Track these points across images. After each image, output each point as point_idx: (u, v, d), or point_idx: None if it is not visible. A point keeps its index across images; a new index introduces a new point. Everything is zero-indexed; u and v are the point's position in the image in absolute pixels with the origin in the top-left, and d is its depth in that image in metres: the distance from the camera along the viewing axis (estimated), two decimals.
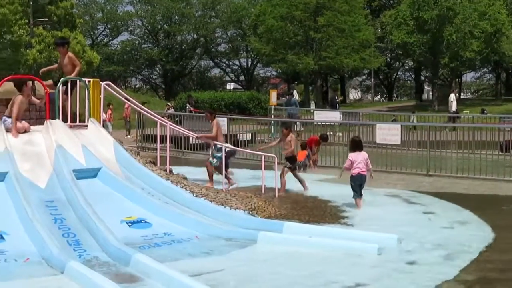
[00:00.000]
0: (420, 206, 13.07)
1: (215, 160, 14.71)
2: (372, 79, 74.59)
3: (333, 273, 8.19)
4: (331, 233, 9.99)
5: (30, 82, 12.38)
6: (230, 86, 74.97)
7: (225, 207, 11.34)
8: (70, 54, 13.52)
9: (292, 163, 14.56)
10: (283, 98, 45.22)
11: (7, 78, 12.57)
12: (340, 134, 23.81)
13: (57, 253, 8.29)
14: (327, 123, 24.93)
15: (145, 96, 49.70)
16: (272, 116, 29.58)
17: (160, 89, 76.61)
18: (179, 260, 8.64)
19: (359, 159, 12.88)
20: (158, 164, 13.59)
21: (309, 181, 15.36)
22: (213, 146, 14.89)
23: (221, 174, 14.51)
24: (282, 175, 14.37)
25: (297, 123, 26.25)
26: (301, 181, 14.67)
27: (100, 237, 9.02)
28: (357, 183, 12.81)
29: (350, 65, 47.43)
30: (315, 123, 25.89)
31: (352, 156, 13.01)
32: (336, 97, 34.14)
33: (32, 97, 12.37)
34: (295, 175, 14.71)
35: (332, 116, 28.66)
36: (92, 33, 70.78)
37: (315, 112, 31.28)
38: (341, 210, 12.45)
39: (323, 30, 45.64)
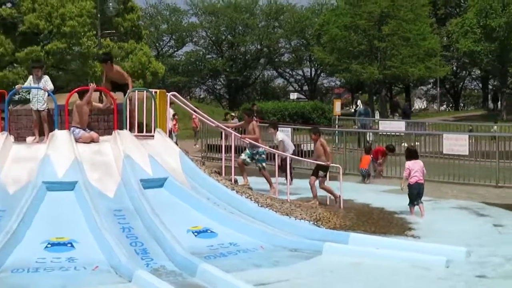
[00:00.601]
0: (490, 218, 12.79)
1: (248, 159, 14.96)
2: (438, 88, 73.39)
3: (400, 286, 8.09)
4: (398, 245, 9.85)
5: (93, 86, 12.65)
6: (293, 96, 74.89)
7: (290, 217, 11.33)
8: (117, 67, 13.81)
9: (324, 171, 14.28)
10: (347, 108, 44.99)
11: (76, 89, 12.87)
12: (406, 144, 23.50)
13: (125, 261, 8.43)
14: (392, 133, 24.63)
15: (209, 106, 50.04)
16: (336, 126, 29.43)
17: (224, 99, 77.13)
18: (245, 270, 8.66)
19: (416, 168, 13.03)
20: (223, 174, 13.68)
21: (375, 192, 15.22)
22: (252, 147, 14.87)
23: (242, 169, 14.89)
24: (320, 186, 14.17)
25: (369, 133, 25.98)
26: (329, 192, 14.33)
27: (167, 246, 9.12)
28: (415, 192, 12.90)
29: (415, 74, 46.76)
30: (380, 133, 25.64)
31: (409, 164, 13.13)
32: (409, 106, 33.61)
33: (94, 103, 12.69)
34: (323, 186, 14.27)
35: (397, 126, 28.33)
36: (157, 44, 71.77)
37: (379, 122, 30.99)
38: (408, 221, 12.28)
39: (387, 39, 45.22)
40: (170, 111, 29.15)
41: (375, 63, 46.03)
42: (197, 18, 72.54)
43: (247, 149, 15.35)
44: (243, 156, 15.04)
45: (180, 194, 11.07)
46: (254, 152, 14.96)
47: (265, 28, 68.94)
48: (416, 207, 12.96)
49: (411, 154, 13.46)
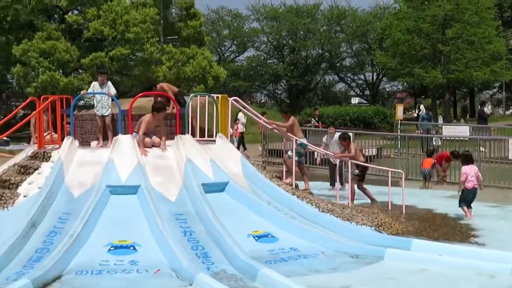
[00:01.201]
0: None
1: (290, 153, 14.66)
2: (504, 92, 71.85)
3: None
4: (462, 252, 9.64)
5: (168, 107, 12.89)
6: (354, 100, 74.44)
7: (351, 223, 11.23)
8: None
9: (361, 172, 14.55)
10: (409, 113, 44.45)
11: (140, 94, 13.05)
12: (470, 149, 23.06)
13: (187, 265, 8.49)
14: (456, 138, 24.19)
15: (270, 111, 50.07)
16: (399, 131, 29.08)
17: (284, 104, 77.12)
18: (305, 275, 8.63)
19: (472, 173, 13.28)
20: (284, 179, 13.66)
21: (437, 197, 14.98)
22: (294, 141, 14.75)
23: (302, 173, 14.78)
24: (358, 186, 14.68)
25: (435, 138, 25.60)
26: (366, 193, 14.71)
27: (228, 251, 9.16)
28: (471, 196, 13.21)
29: (480, 78, 45.82)
30: (444, 138, 25.23)
31: (466, 169, 13.35)
32: (485, 110, 32.98)
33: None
34: (360, 187, 14.75)
35: (461, 131, 27.82)
36: (219, 49, 72.26)
37: (443, 126, 30.48)
38: (472, 228, 12.03)
39: (451, 42, 44.44)
40: (241, 116, 29.68)
41: (438, 67, 45.27)
42: (258, 23, 72.79)
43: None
44: (289, 152, 14.95)
45: (241, 198, 11.11)
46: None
47: (326, 33, 68.65)
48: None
49: (467, 159, 13.68)
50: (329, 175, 16.17)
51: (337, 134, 16.69)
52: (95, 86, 12.52)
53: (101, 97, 12.44)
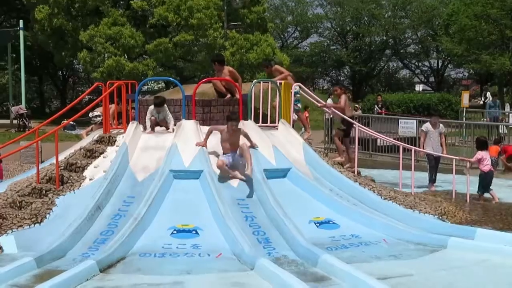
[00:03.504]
0: None
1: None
2: None
3: None
4: None
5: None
6: (419, 87, 73.14)
7: (414, 211, 11.12)
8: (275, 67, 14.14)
9: (346, 127, 14.68)
10: (475, 100, 43.50)
11: (204, 80, 13.15)
12: None
13: (248, 250, 8.55)
14: None
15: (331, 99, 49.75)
16: (464, 119, 28.54)
17: (348, 90, 76.55)
18: (367, 262, 8.58)
19: (487, 157, 13.85)
20: (338, 158, 13.59)
21: (504, 186, 14.70)
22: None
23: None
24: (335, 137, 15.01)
25: (501, 126, 25.08)
26: (339, 149, 14.92)
27: (289, 236, 9.18)
28: (489, 179, 13.69)
29: None
30: (511, 126, 24.64)
31: (482, 154, 13.81)
32: None
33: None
34: (339, 141, 14.88)
35: None
36: (282, 35, 72.15)
37: (510, 114, 29.78)
38: None
39: None
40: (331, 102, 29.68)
41: (506, 54, 44.16)
42: (322, 9, 72.38)
43: None
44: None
45: (302, 184, 11.10)
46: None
47: (391, 19, 67.73)
48: (487, 194, 13.65)
49: (483, 144, 14.19)
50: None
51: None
52: (153, 111, 12.49)
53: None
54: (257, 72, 37.91)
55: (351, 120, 14.60)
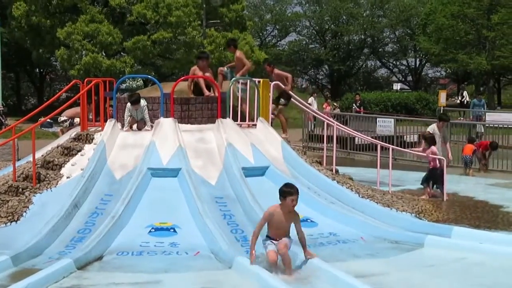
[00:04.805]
0: None
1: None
2: None
3: (508, 284, 7.82)
4: (504, 240, 9.51)
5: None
6: (396, 86, 73.56)
7: (391, 209, 11.19)
8: (238, 53, 14.11)
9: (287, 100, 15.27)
10: (452, 99, 43.88)
11: (182, 78, 13.11)
12: None
13: (226, 248, 8.55)
14: (500, 126, 23.77)
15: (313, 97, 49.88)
16: None
17: (326, 89, 76.76)
18: (344, 260, 8.62)
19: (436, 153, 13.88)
20: (324, 164, 13.63)
21: (479, 185, 14.83)
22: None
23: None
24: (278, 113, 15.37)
25: (479, 125, 25.21)
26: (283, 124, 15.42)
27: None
28: (438, 176, 13.53)
29: None
30: (487, 125, 24.83)
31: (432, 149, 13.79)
32: None
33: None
34: (283, 117, 15.47)
35: (505, 118, 27.39)
36: (261, 34, 72.16)
37: (486, 113, 30.01)
38: None
39: (497, 28, 43.71)
40: (313, 101, 29.85)
41: (483, 53, 44.64)
42: (301, 7, 72.55)
43: None
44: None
45: (281, 182, 10.91)
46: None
47: (369, 18, 68.10)
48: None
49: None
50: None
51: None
52: (131, 109, 12.44)
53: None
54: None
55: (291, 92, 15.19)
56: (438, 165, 13.56)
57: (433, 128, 15.35)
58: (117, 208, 9.66)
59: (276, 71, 15.60)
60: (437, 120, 15.94)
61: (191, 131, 11.98)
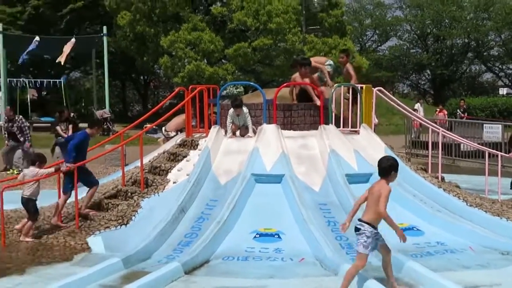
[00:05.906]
0: None
1: None
2: None
3: None
4: None
5: None
6: (503, 91, 71.32)
7: (501, 218, 10.81)
8: (348, 65, 13.98)
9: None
10: None
11: (284, 84, 13.15)
12: None
13: (331, 255, 8.49)
14: None
15: (414, 102, 49.12)
16: None
17: (428, 94, 75.28)
18: (453, 270, 8.38)
19: None
20: (429, 171, 13.34)
21: None
22: None
23: None
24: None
25: None
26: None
27: None
28: None
29: None
30: None
31: None
32: None
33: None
34: None
35: None
36: (360, 39, 71.60)
37: None
38: None
39: None
40: (419, 107, 29.41)
41: None
42: (401, 11, 71.48)
43: None
44: None
45: None
46: None
47: (473, 21, 66.29)
48: None
49: None
50: None
51: None
52: (233, 116, 12.56)
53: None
54: (336, 76, 37.70)
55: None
56: None
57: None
58: (222, 213, 9.78)
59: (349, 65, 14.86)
60: None
61: (293, 138, 11.99)
